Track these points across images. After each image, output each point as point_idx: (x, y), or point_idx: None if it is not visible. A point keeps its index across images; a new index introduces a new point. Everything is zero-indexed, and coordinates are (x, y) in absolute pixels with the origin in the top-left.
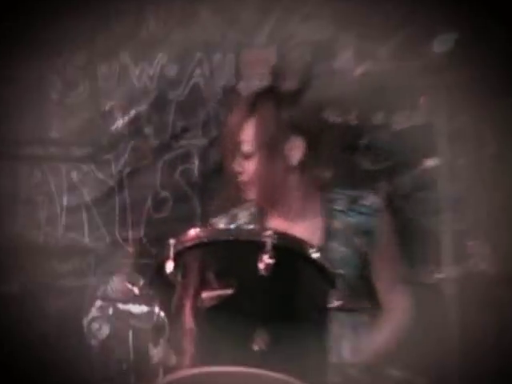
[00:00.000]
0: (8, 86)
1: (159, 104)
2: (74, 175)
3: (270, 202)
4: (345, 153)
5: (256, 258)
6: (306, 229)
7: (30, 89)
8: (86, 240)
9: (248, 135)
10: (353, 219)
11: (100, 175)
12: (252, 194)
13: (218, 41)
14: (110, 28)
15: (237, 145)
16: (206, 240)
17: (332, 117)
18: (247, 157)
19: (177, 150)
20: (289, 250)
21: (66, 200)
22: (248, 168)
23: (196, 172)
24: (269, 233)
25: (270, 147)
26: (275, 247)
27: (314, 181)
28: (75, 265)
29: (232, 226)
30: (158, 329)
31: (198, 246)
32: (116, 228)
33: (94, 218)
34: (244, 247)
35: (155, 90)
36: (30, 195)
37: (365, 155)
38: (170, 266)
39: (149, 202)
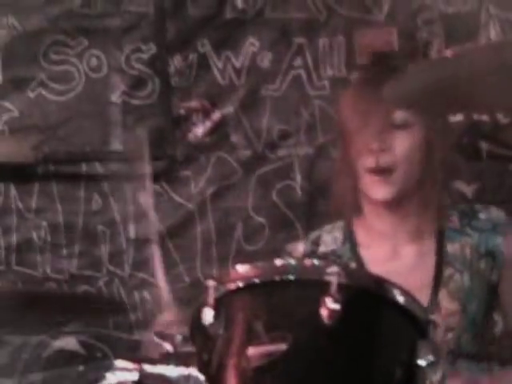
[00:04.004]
0: None
1: (250, 104)
2: (143, 198)
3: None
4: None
5: (318, 303)
6: (415, 256)
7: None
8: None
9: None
10: (472, 239)
11: (176, 197)
12: (385, 188)
13: (324, 21)
14: (184, 10)
15: (384, 113)
16: (255, 281)
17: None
18: (400, 127)
19: (274, 162)
20: (361, 291)
21: (134, 230)
22: (400, 143)
23: (299, 190)
24: (334, 269)
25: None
26: (343, 288)
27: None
28: (145, 313)
29: (291, 261)
30: None
31: (245, 288)
32: (198, 265)
33: (170, 253)
34: (302, 289)
35: (244, 86)
36: (88, 225)
37: None
38: (209, 315)
39: (239, 231)
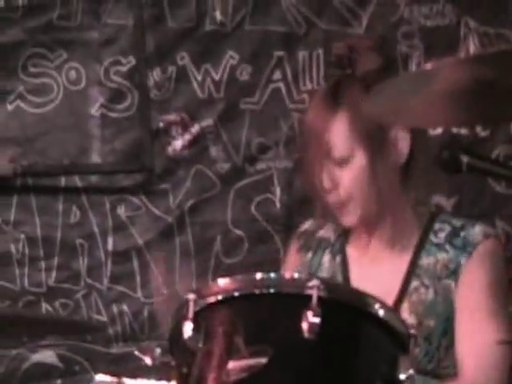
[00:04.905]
0: None
1: (229, 117)
2: (122, 211)
3: (370, 225)
4: (471, 173)
5: (298, 317)
6: (390, 264)
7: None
8: (138, 294)
9: (338, 135)
10: (447, 255)
11: (155, 210)
12: (347, 217)
13: (303, 34)
14: (163, 23)
15: (324, 151)
16: (234, 294)
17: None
18: (341, 164)
19: (253, 175)
20: (342, 304)
21: (112, 243)
22: (344, 180)
23: (278, 203)
24: (314, 282)
25: (373, 145)
26: (323, 302)
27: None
28: (124, 326)
29: (271, 274)
30: None
31: (225, 302)
32: (176, 279)
33: (149, 266)
34: (283, 303)
35: (223, 99)
36: (66, 238)
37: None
38: (188, 329)
39: (218, 244)
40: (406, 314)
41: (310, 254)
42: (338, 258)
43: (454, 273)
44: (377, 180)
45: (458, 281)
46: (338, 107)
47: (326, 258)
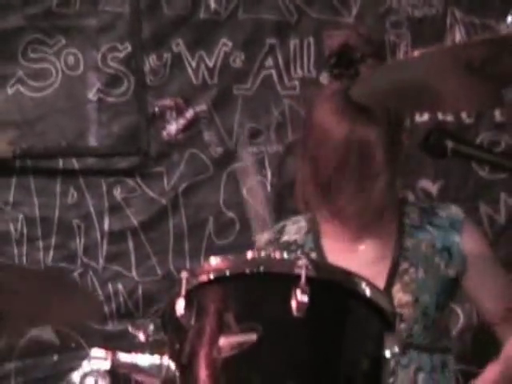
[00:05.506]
0: None
1: (222, 102)
2: (118, 192)
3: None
4: (456, 158)
5: (287, 295)
6: (373, 249)
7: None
8: (133, 273)
9: (378, 147)
10: (429, 235)
11: (149, 192)
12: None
13: (295, 22)
14: (159, 11)
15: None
16: (226, 273)
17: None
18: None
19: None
20: (329, 284)
21: (108, 224)
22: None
23: (269, 186)
24: (303, 262)
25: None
26: (312, 281)
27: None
28: (119, 304)
29: (261, 254)
30: None
31: (216, 280)
32: (170, 258)
33: (143, 246)
34: (272, 282)
35: (217, 85)
36: (63, 218)
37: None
38: (180, 306)
39: (210, 225)
40: (401, 294)
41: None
42: (314, 255)
43: (446, 249)
44: (391, 171)
45: (454, 255)
46: (369, 120)
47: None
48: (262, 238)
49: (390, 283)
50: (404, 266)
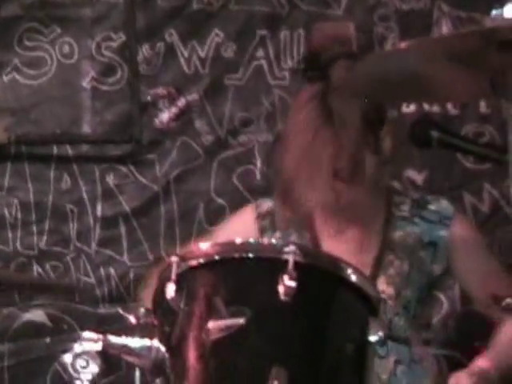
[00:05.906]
0: None
1: (214, 92)
2: (110, 179)
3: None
4: (441, 148)
5: (275, 280)
6: (359, 239)
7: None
8: (125, 258)
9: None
10: (418, 228)
11: (142, 179)
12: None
13: (285, 14)
14: (153, 1)
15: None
16: (215, 258)
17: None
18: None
19: (235, 147)
20: (316, 269)
21: (101, 209)
22: (343, 194)
23: (258, 174)
24: (291, 248)
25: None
26: (299, 266)
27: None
28: (110, 288)
29: (250, 240)
30: (156, 366)
31: (206, 265)
32: (161, 244)
33: (135, 232)
34: (261, 266)
35: (208, 75)
36: (57, 204)
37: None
38: (170, 290)
39: (201, 212)
40: (384, 286)
41: (278, 234)
42: (308, 234)
43: (432, 244)
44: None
45: (440, 251)
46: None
47: (294, 236)
48: (262, 206)
49: (374, 275)
50: (390, 257)
